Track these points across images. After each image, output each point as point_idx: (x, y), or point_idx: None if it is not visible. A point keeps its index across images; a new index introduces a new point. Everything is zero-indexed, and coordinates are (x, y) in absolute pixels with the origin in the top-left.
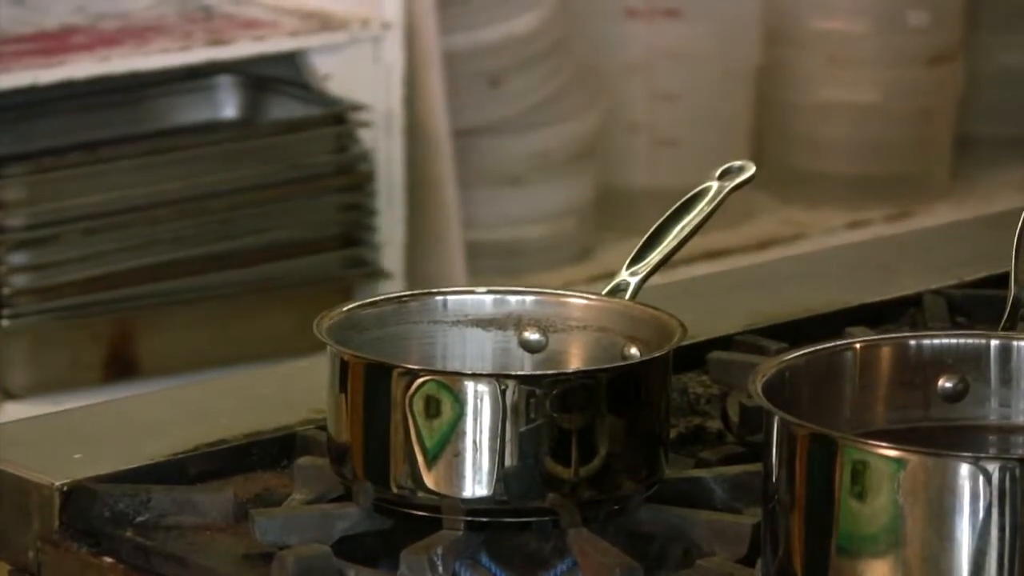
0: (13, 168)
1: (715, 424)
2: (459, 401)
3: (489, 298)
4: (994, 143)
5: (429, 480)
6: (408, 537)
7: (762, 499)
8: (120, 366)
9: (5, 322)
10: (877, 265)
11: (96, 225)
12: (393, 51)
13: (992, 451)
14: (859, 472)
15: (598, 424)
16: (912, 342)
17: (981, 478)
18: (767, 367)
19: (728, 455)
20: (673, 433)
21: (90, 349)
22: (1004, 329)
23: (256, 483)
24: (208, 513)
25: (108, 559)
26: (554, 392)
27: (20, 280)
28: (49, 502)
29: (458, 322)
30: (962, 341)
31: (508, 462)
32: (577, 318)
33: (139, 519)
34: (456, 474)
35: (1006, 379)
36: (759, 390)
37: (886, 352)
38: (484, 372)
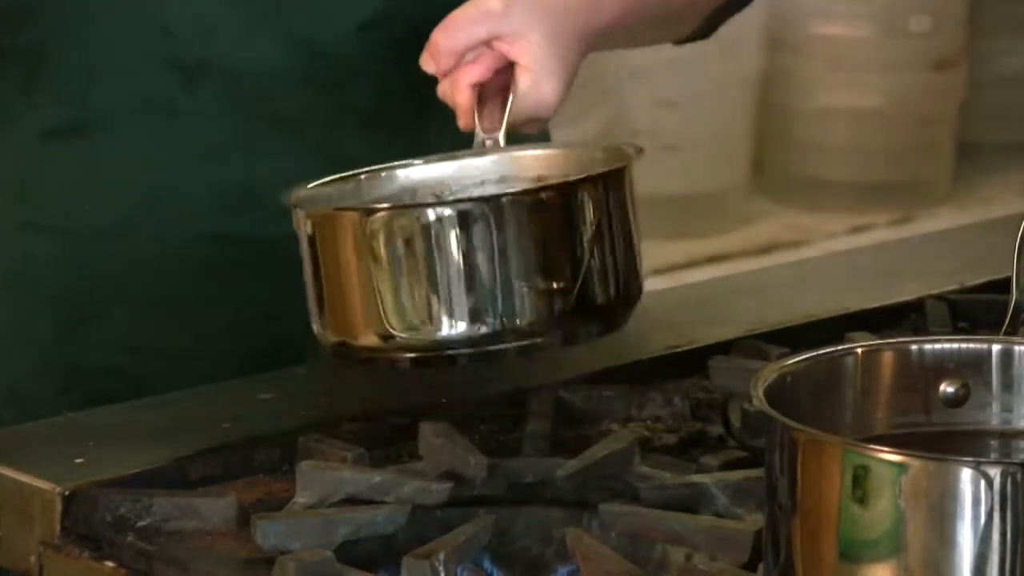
0: None
1: (716, 429)
2: (424, 231)
3: (449, 164)
4: (996, 148)
5: (416, 317)
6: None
7: (764, 504)
8: None
9: None
10: (878, 270)
11: None
12: None
13: (994, 456)
14: (860, 477)
15: (570, 237)
16: (913, 347)
17: (983, 483)
18: (768, 372)
19: (729, 460)
20: (674, 438)
21: None
22: (1006, 334)
23: (258, 488)
24: (210, 518)
25: (109, 564)
26: (517, 209)
27: None
28: (51, 507)
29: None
30: (963, 346)
31: (481, 285)
32: (536, 168)
33: (141, 524)
34: (441, 308)
35: (1007, 384)
36: (760, 395)
37: (887, 357)
38: (445, 200)
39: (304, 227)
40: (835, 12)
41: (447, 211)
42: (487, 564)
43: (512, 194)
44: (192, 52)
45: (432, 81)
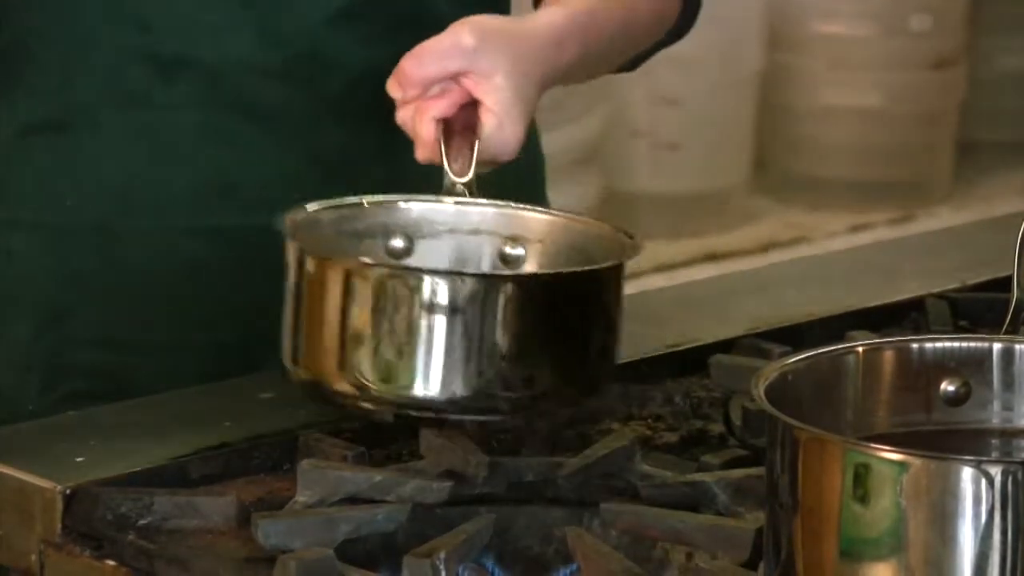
0: None
1: (717, 428)
2: (417, 295)
3: (452, 208)
4: (996, 147)
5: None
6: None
7: (765, 503)
8: None
9: None
10: (879, 269)
11: None
12: None
13: (994, 455)
14: (861, 476)
15: (553, 325)
16: (914, 346)
17: (983, 481)
18: (769, 371)
19: (730, 459)
20: (675, 437)
21: None
22: (1006, 333)
23: (258, 486)
24: (210, 517)
25: (110, 562)
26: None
27: None
28: (52, 505)
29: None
30: (964, 345)
31: (465, 357)
32: (540, 233)
33: (141, 522)
34: (401, 369)
35: (1008, 383)
36: (761, 394)
37: (888, 356)
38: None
39: (297, 263)
40: (836, 11)
41: (441, 281)
42: (488, 563)
43: (508, 276)
44: (169, 46)
45: None
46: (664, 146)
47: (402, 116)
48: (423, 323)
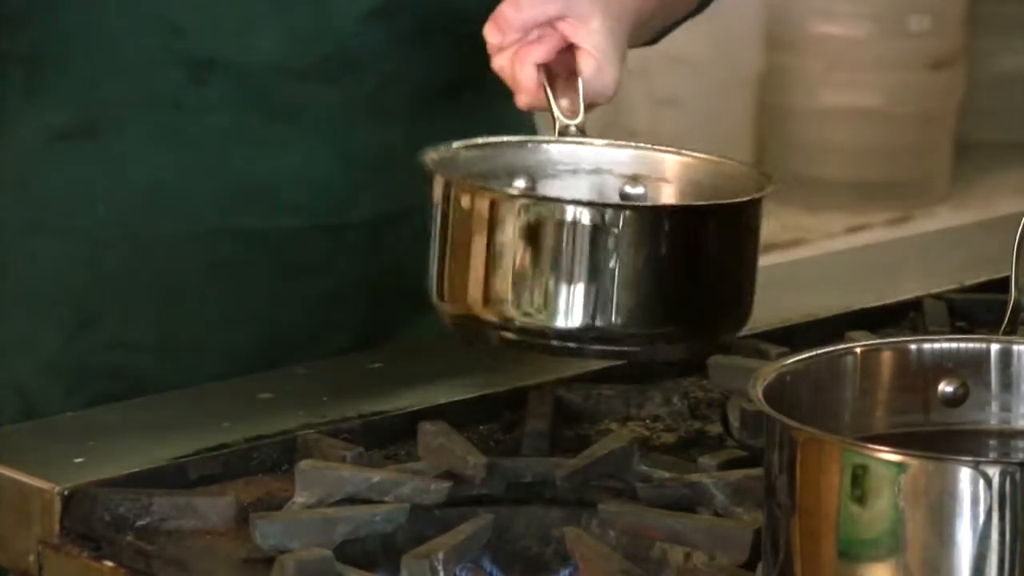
0: None
1: (716, 428)
2: (565, 225)
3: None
4: (994, 148)
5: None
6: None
7: (763, 504)
8: None
9: None
10: (877, 269)
11: None
12: None
13: (992, 455)
14: (859, 476)
15: (696, 258)
16: (912, 346)
17: (981, 482)
18: (767, 371)
19: (729, 459)
20: (673, 437)
21: None
22: (1004, 333)
23: (257, 487)
24: (209, 517)
25: (109, 563)
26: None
27: None
28: (50, 506)
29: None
30: (962, 345)
31: (607, 286)
32: (685, 174)
33: (140, 523)
34: (568, 302)
35: (1006, 383)
36: (759, 394)
37: (886, 356)
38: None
39: (444, 196)
40: (834, 12)
41: (589, 211)
42: (486, 563)
43: (652, 207)
44: (199, 48)
45: (440, 71)
46: None
47: (499, 63)
48: (566, 253)
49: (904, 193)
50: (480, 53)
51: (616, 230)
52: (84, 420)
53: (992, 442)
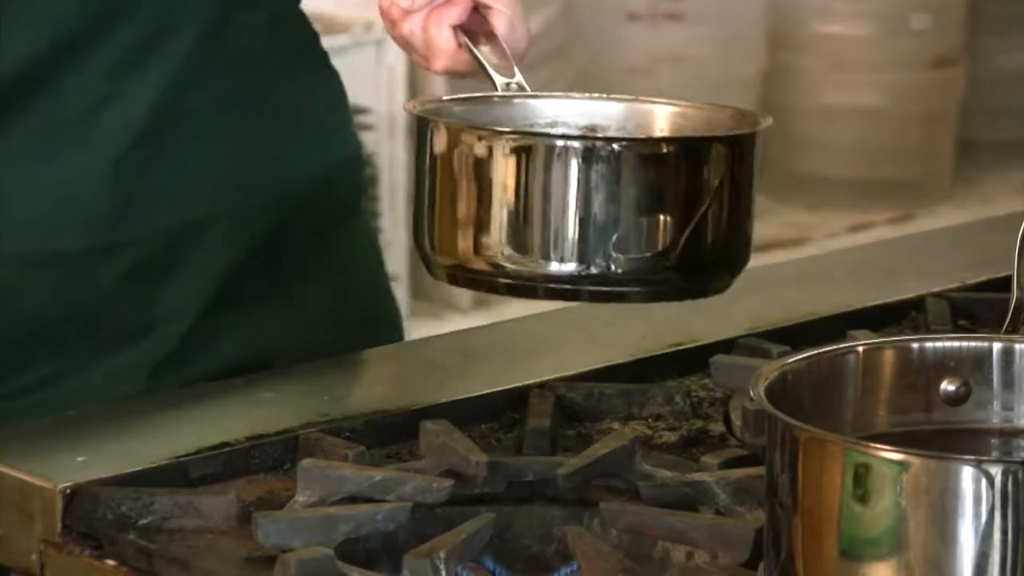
0: None
1: (717, 427)
2: (555, 161)
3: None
4: (996, 146)
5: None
6: None
7: (765, 503)
8: None
9: None
10: (879, 268)
11: None
12: (395, 54)
13: (994, 454)
14: (861, 475)
15: (691, 193)
16: (914, 345)
17: (983, 481)
18: (769, 370)
19: (730, 459)
20: (675, 436)
21: None
22: (1006, 332)
23: (259, 486)
24: (211, 516)
25: (110, 562)
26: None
27: None
28: (51, 505)
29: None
30: (964, 344)
31: (597, 225)
32: (666, 123)
33: (142, 522)
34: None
35: (1008, 382)
36: (761, 393)
37: (888, 355)
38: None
39: (433, 139)
40: (836, 11)
41: (579, 145)
42: (488, 562)
43: (644, 140)
44: None
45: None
46: None
47: (409, 28)
48: (556, 193)
49: (906, 192)
50: None
51: (607, 166)
52: (86, 419)
53: (994, 441)
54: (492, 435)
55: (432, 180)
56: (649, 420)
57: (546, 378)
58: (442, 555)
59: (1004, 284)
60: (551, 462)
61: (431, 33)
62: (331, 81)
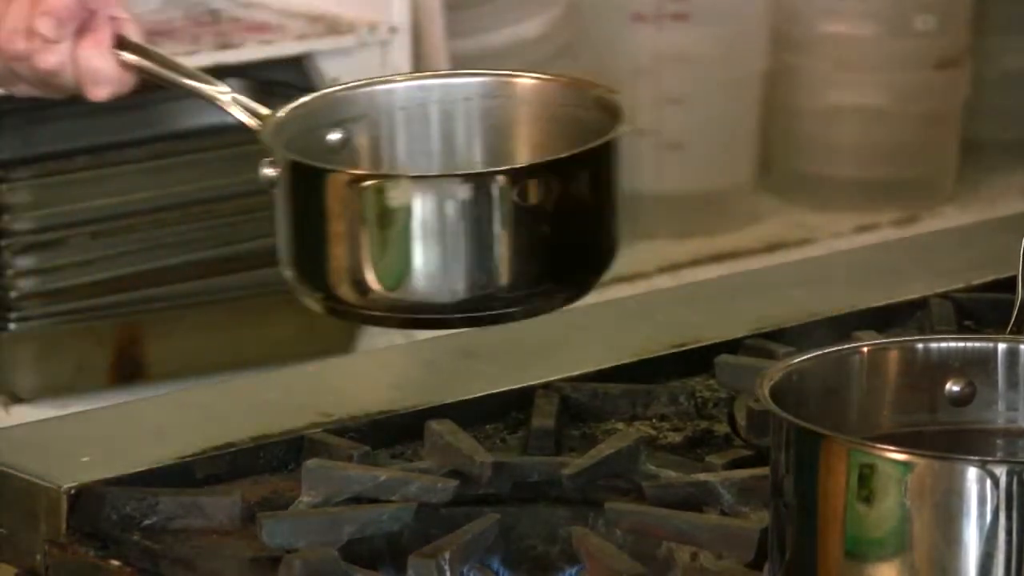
0: (19, 172)
1: (722, 428)
2: (409, 200)
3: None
4: (1001, 147)
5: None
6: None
7: (769, 503)
8: (127, 370)
9: (12, 325)
10: (884, 269)
11: (102, 229)
12: (400, 55)
13: (999, 455)
14: (866, 476)
15: (552, 212)
16: (919, 346)
17: (988, 482)
18: (774, 371)
19: (735, 459)
20: (680, 437)
21: (96, 352)
22: (1011, 333)
23: (263, 486)
24: (215, 516)
25: (115, 562)
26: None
27: (27, 284)
28: (56, 505)
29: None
30: (969, 345)
31: (461, 254)
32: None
33: (146, 522)
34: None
35: (1013, 383)
36: (766, 394)
37: (893, 356)
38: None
39: (285, 174)
40: (841, 11)
41: (432, 184)
42: (493, 563)
43: (497, 171)
44: None
45: None
46: (668, 146)
47: (57, 61)
48: (414, 227)
49: (911, 192)
50: None
51: (462, 199)
52: (90, 419)
53: (999, 441)
54: (497, 435)
55: (290, 214)
56: (654, 420)
57: (551, 378)
58: (447, 556)
59: (1009, 285)
60: (556, 462)
61: (92, 63)
62: None
